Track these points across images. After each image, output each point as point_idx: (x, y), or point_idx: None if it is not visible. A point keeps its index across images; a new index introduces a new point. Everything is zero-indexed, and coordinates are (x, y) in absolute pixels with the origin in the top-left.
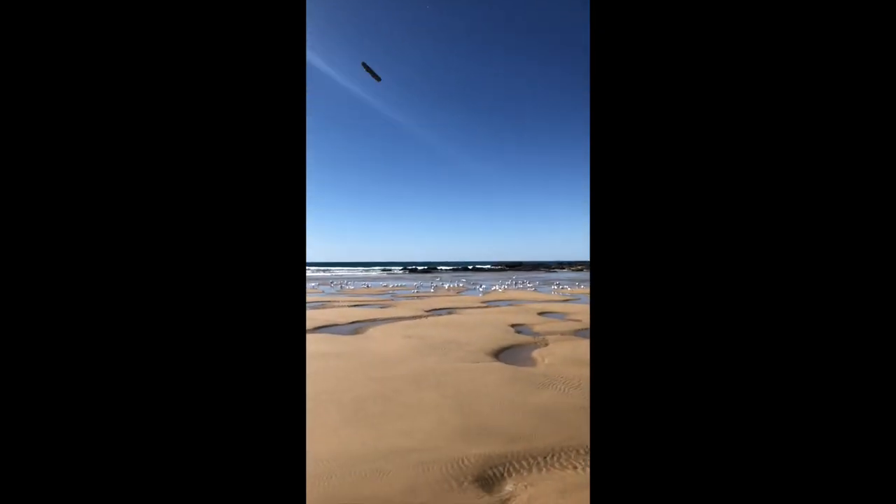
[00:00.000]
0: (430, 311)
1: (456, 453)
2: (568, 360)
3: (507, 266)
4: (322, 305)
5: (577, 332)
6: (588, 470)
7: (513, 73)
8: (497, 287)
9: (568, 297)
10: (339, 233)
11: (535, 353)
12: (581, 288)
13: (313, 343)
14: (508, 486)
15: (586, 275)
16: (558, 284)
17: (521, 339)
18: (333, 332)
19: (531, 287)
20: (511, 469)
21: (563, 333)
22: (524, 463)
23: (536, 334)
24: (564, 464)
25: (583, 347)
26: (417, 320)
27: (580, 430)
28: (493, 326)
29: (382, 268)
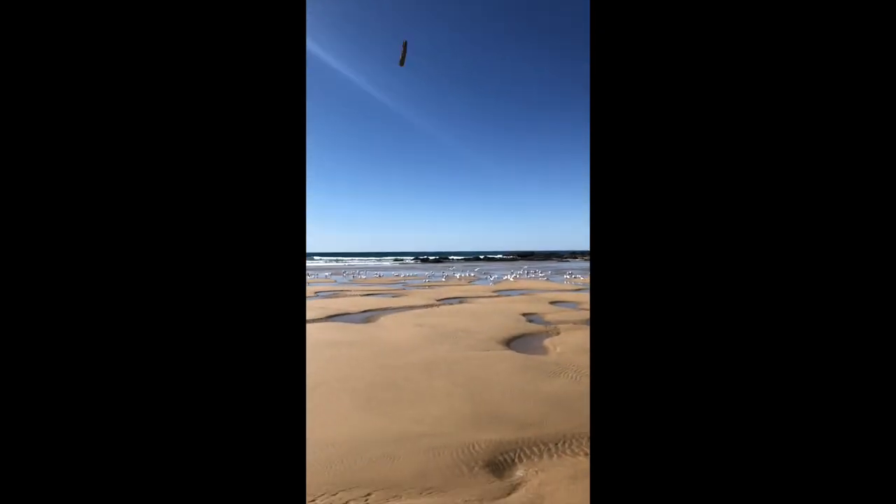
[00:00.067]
0: (441, 300)
1: (467, 439)
2: (579, 348)
3: (518, 255)
4: (335, 294)
5: (589, 322)
6: None
7: (519, 59)
8: (508, 276)
9: (580, 287)
10: (352, 223)
11: (547, 342)
12: None
13: (326, 332)
14: (519, 472)
15: None
16: (570, 274)
17: (533, 327)
18: (346, 321)
19: (543, 276)
20: (522, 455)
21: (575, 322)
22: (535, 449)
23: (548, 323)
24: (576, 450)
25: None
26: (429, 309)
27: None
28: (504, 315)
29: (394, 258)
